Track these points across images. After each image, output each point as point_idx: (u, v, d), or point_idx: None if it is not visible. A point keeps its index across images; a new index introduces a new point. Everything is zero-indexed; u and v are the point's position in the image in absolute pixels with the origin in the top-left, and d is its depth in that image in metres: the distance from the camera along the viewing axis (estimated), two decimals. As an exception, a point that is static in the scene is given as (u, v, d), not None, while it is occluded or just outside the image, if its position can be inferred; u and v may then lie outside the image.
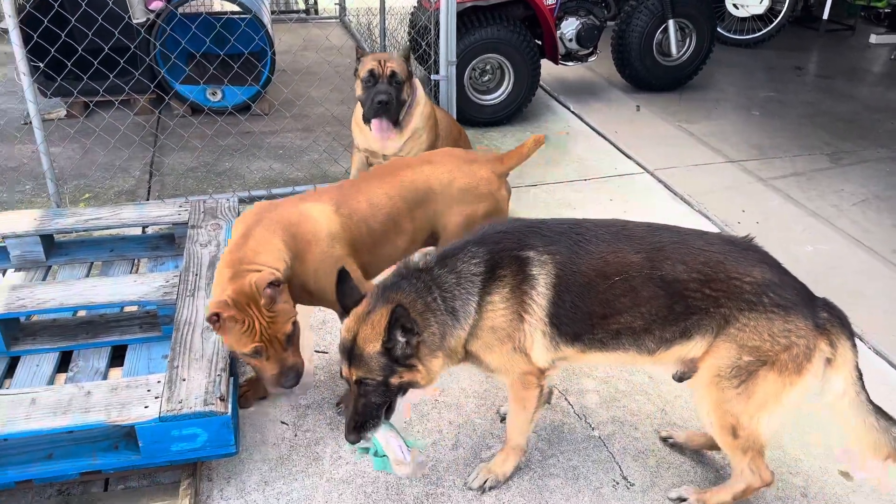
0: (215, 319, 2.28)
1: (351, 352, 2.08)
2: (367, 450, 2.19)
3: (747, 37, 7.82)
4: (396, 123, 3.73)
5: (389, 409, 2.18)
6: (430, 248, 2.93)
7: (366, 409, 2.11)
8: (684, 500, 2.48)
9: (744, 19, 7.76)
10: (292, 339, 2.45)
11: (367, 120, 3.74)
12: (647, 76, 6.25)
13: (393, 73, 3.66)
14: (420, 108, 3.79)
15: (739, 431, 2.22)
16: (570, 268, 2.18)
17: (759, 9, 7.50)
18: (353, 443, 2.14)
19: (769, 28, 7.70)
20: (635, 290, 2.17)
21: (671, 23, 6.03)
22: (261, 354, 2.38)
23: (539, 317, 2.19)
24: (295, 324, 2.45)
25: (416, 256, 2.30)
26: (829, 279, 3.76)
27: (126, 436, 2.38)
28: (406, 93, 3.71)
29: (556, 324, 2.20)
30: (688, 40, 6.23)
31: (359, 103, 3.83)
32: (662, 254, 2.19)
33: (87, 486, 2.49)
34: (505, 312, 2.18)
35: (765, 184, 4.84)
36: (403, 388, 2.15)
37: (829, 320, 2.16)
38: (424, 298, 2.14)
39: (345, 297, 2.18)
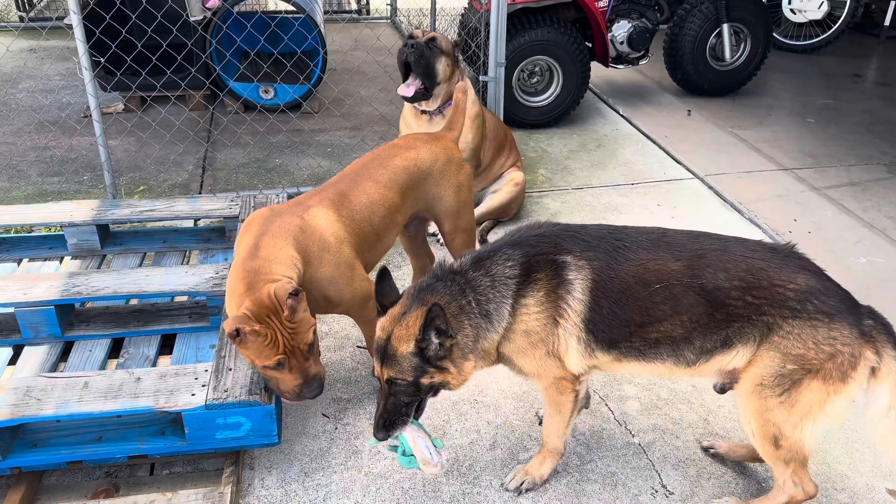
0: (235, 335, 2.18)
1: (385, 351, 2.11)
2: (395, 448, 2.22)
3: (804, 43, 7.64)
4: (426, 94, 3.78)
5: (419, 409, 2.20)
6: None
7: (395, 407, 2.13)
8: None
9: (801, 25, 7.59)
10: (313, 347, 2.38)
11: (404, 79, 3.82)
12: (700, 80, 6.16)
13: (433, 38, 3.72)
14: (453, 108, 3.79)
15: (782, 441, 2.18)
16: (608, 273, 2.17)
17: (818, 14, 7.32)
18: (380, 440, 2.16)
19: (827, 34, 7.50)
20: (675, 297, 2.15)
21: (726, 27, 5.93)
22: (283, 366, 2.29)
23: (574, 322, 2.18)
24: (314, 332, 2.39)
25: (450, 259, 2.32)
26: (883, 292, 3.66)
27: (172, 422, 2.44)
28: (445, 69, 3.74)
29: (592, 330, 2.18)
30: (742, 45, 6.12)
31: (405, 102, 3.88)
32: (703, 261, 2.17)
33: (133, 470, 2.57)
34: (539, 316, 2.18)
35: (818, 193, 4.73)
36: (434, 389, 2.16)
37: (874, 328, 2.11)
38: (458, 301, 2.15)
39: (383, 296, 2.20)
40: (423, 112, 3.86)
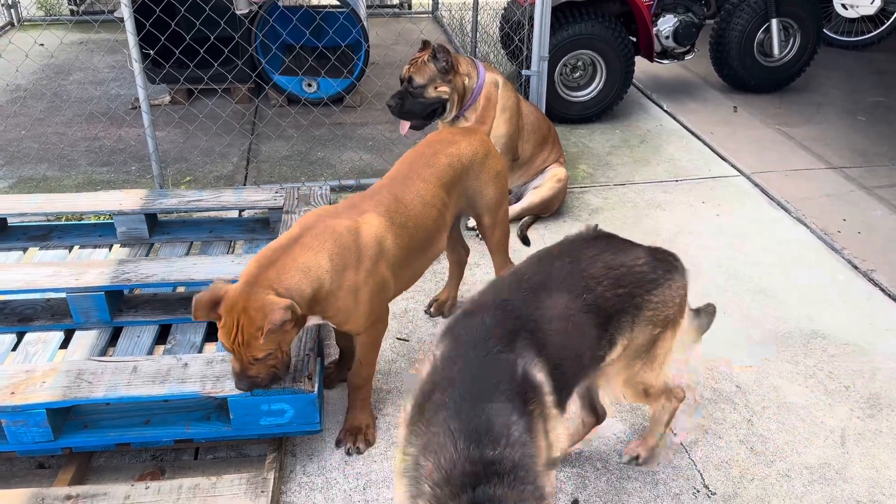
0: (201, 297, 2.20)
1: None
2: None
3: (856, 39, 7.44)
4: (422, 125, 3.83)
5: None
6: None
7: None
8: (636, 457, 2.61)
9: (853, 20, 7.38)
10: (265, 361, 2.27)
11: None
12: (746, 76, 6.04)
13: (410, 79, 3.70)
14: (484, 102, 3.74)
15: (650, 391, 2.37)
16: (547, 348, 2.00)
17: (870, 10, 7.10)
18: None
19: (880, 30, 7.30)
20: (582, 326, 2.08)
21: (774, 22, 5.80)
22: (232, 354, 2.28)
23: (549, 403, 1.97)
24: (270, 354, 2.26)
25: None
26: (936, 295, 3.56)
27: (218, 408, 2.49)
28: (439, 93, 3.70)
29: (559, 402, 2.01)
30: (791, 40, 5.99)
31: None
32: (587, 282, 2.11)
33: (178, 454, 2.62)
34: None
35: (868, 192, 4.61)
36: None
37: (676, 259, 2.33)
38: None
39: None
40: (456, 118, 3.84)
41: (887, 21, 7.25)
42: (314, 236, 2.36)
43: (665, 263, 2.27)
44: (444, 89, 3.71)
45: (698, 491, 2.53)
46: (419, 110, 3.75)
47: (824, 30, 7.28)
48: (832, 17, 7.38)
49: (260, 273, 2.25)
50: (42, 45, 6.30)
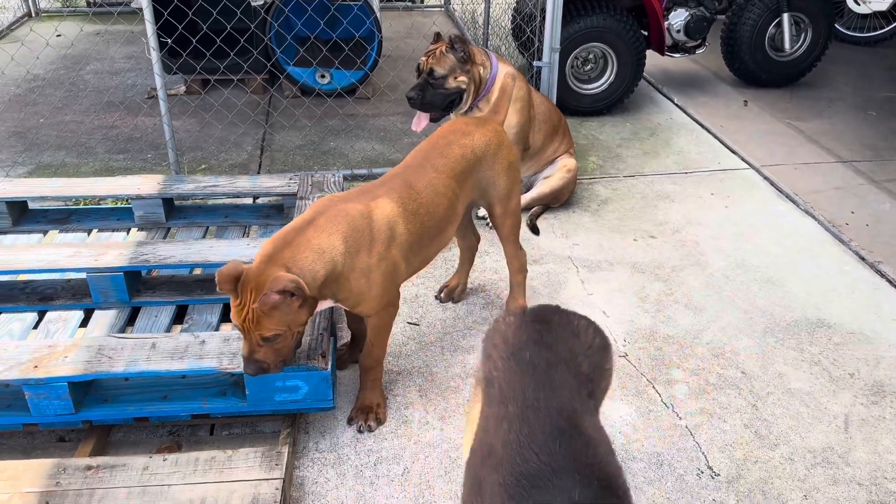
0: (218, 277, 2.23)
1: None
2: None
3: (868, 34, 7.43)
4: (440, 117, 3.88)
5: None
6: None
7: None
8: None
9: (865, 16, 7.38)
10: (274, 341, 2.30)
11: None
12: (757, 71, 6.06)
13: (431, 71, 3.74)
14: (498, 93, 3.79)
15: None
16: None
17: (883, 5, 7.11)
18: None
19: (892, 25, 7.29)
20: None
21: (786, 16, 5.82)
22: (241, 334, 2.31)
23: None
24: (278, 335, 2.28)
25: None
26: (942, 287, 3.59)
27: (234, 384, 2.56)
28: (458, 83, 3.75)
29: None
30: (803, 35, 6.00)
31: None
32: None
33: (194, 430, 2.70)
34: None
35: (878, 186, 4.63)
36: None
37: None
38: None
39: None
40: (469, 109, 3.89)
41: (900, 17, 7.24)
42: (328, 219, 2.41)
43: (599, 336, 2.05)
44: (462, 79, 3.76)
45: (702, 472, 2.58)
46: (439, 101, 3.80)
47: (836, 25, 7.30)
48: (844, 13, 7.39)
49: (275, 253, 2.30)
50: (60, 35, 6.39)
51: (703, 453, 2.65)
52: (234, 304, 2.26)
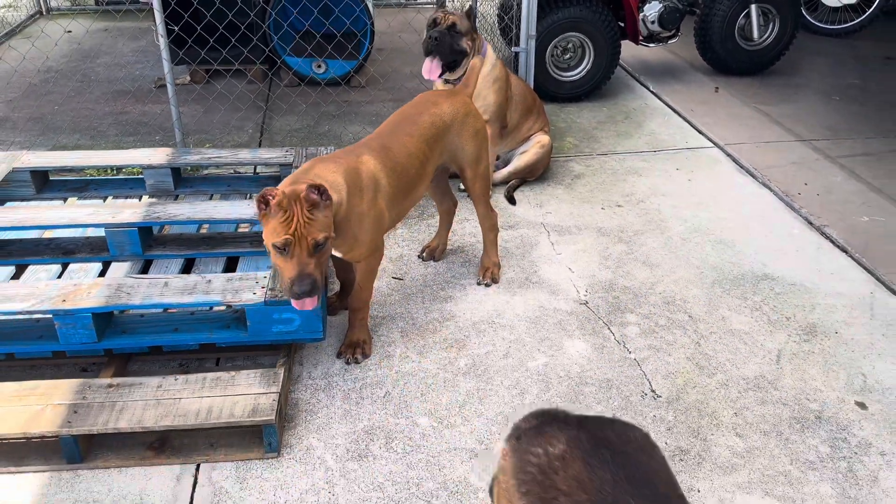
0: (263, 202, 2.49)
1: None
2: None
3: (839, 27, 7.80)
4: (450, 69, 4.11)
5: None
6: None
7: None
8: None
9: (836, 9, 7.76)
10: (320, 250, 2.55)
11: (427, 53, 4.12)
12: (728, 60, 6.43)
13: (453, 24, 4.07)
14: (485, 69, 4.14)
15: None
16: None
17: (853, -2, 7.50)
18: None
19: (861, 18, 7.66)
20: None
21: (754, 7, 6.19)
22: (287, 251, 2.49)
23: None
24: (327, 239, 2.56)
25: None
26: (881, 246, 3.94)
27: (236, 319, 2.92)
28: (466, 45, 4.08)
29: None
30: (771, 25, 6.37)
31: None
32: None
33: (202, 362, 3.06)
34: None
35: (832, 161, 5.00)
36: None
37: None
38: None
39: None
40: (447, 82, 4.22)
41: (869, 9, 7.61)
42: (325, 165, 2.78)
43: None
44: (469, 44, 4.13)
45: (646, 394, 2.94)
46: (449, 54, 4.08)
47: (810, 18, 7.68)
48: (817, 6, 7.76)
49: (301, 175, 2.67)
50: (69, 31, 6.78)
51: (647, 380, 3.01)
52: (280, 220, 2.48)
